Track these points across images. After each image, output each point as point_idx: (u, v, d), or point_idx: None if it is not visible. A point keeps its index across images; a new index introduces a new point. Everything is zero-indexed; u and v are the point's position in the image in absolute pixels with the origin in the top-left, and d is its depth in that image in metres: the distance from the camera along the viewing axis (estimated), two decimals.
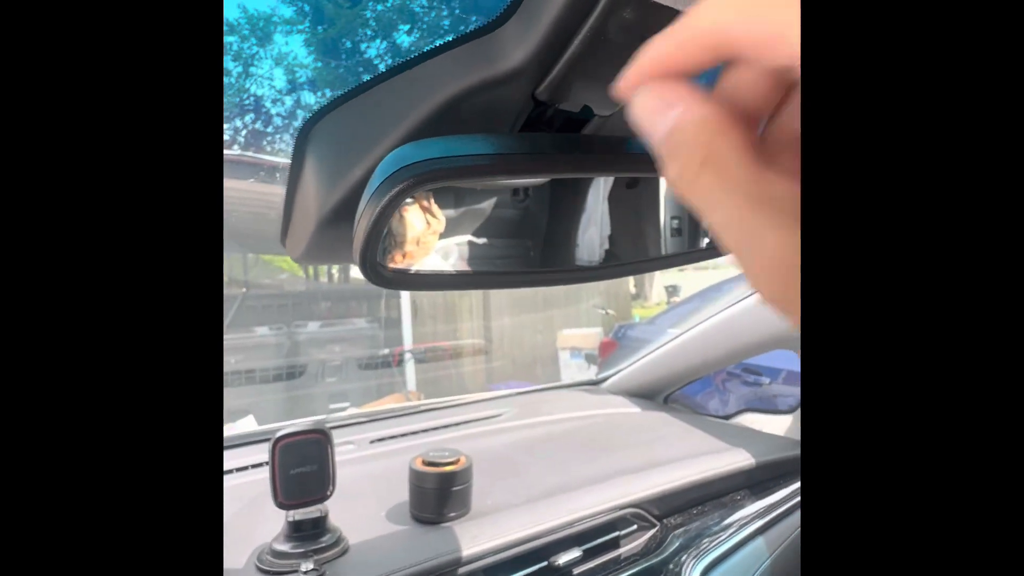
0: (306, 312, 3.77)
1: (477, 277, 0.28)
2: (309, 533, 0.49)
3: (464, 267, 0.34)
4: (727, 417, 1.22)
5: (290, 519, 0.49)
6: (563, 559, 0.57)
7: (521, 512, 0.60)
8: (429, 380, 3.57)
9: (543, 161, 0.23)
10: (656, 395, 1.22)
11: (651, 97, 0.14)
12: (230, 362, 2.91)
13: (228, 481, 0.70)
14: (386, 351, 3.61)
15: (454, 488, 0.58)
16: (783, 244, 0.14)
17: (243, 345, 3.10)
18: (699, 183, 0.14)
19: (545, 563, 0.57)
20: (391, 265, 0.24)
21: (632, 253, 0.39)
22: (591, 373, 1.35)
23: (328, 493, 0.48)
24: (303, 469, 0.46)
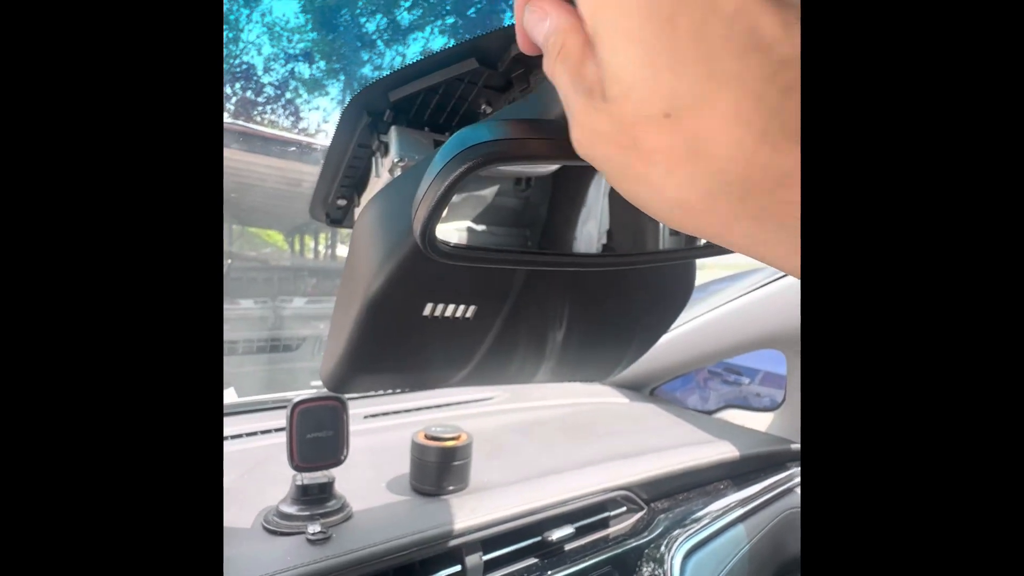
0: (291, 287, 3.73)
1: (522, 256, 0.29)
2: (316, 497, 0.51)
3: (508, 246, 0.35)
4: (710, 412, 1.26)
5: (298, 483, 0.50)
6: (556, 535, 0.60)
7: (517, 489, 0.62)
8: None
9: None
10: (643, 387, 1.25)
11: (532, 12, 0.18)
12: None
13: (231, 446, 0.71)
14: None
15: (454, 463, 0.60)
16: (602, 119, 0.16)
17: (227, 316, 3.06)
18: (555, 75, 0.17)
19: (539, 538, 0.59)
20: (448, 240, 0.25)
21: (630, 248, 0.40)
22: None
23: (342, 458, 0.50)
24: (319, 434, 0.47)
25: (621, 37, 0.15)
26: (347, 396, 0.94)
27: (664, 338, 1.17)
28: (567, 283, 0.35)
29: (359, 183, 0.39)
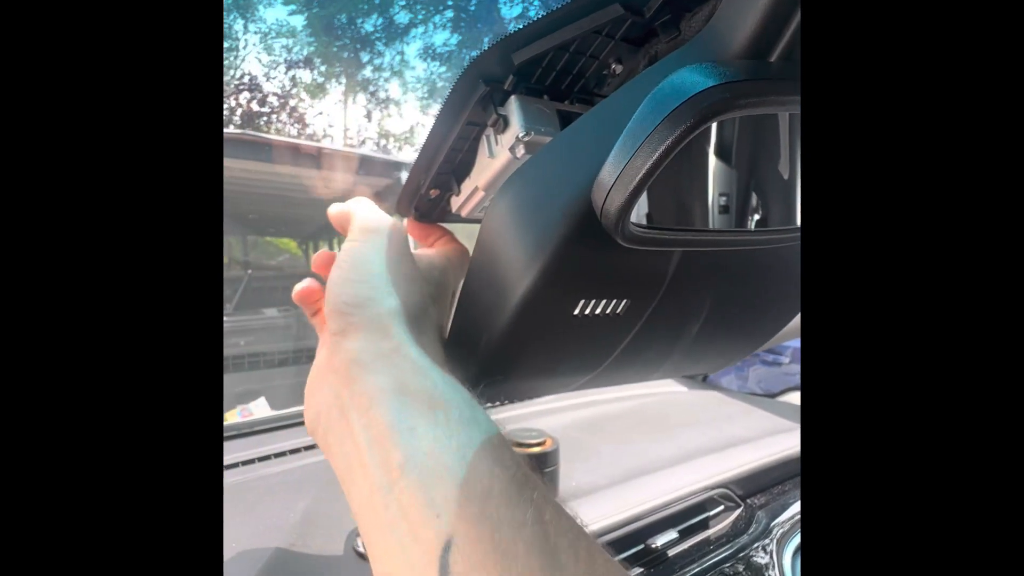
0: None
1: (718, 236, 0.24)
2: None
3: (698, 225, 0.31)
4: (772, 396, 1.21)
5: None
6: (659, 541, 0.55)
7: (610, 495, 0.58)
8: None
9: None
10: (696, 375, 1.20)
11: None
12: (239, 344, 2.87)
13: (290, 463, 0.67)
14: None
15: (545, 470, 0.56)
16: None
17: (252, 327, 3.06)
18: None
19: (642, 545, 0.55)
20: (637, 227, 0.21)
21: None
22: None
23: None
24: None
25: None
26: None
27: None
28: (715, 267, 0.30)
29: (459, 169, 0.35)
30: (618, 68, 0.30)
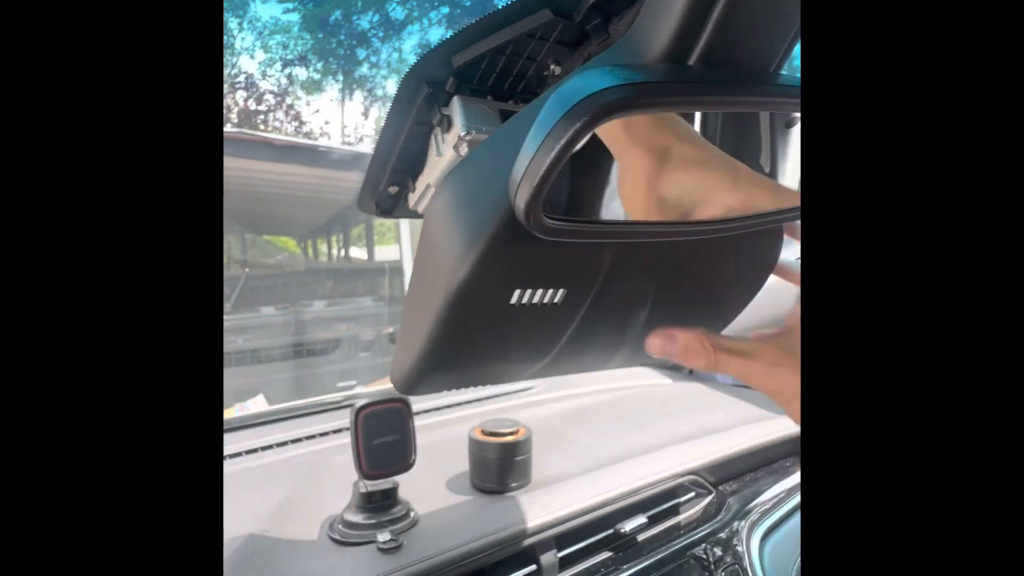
0: (309, 291, 3.73)
1: (639, 228, 0.26)
2: (380, 504, 0.49)
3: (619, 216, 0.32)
4: None
5: (362, 490, 0.48)
6: (629, 526, 0.57)
7: (582, 481, 0.59)
8: None
9: (728, 92, 0.21)
10: (682, 367, 1.22)
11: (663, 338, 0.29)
12: (237, 341, 2.88)
13: (274, 456, 0.69)
14: (391, 329, 3.59)
15: (516, 458, 0.57)
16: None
17: (250, 325, 3.07)
18: (724, 365, 0.26)
19: (612, 530, 0.57)
20: (549, 218, 0.22)
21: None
22: None
23: (411, 463, 0.47)
24: (386, 439, 0.44)
25: None
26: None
27: None
28: (656, 257, 0.32)
29: (413, 166, 0.36)
30: (557, 69, 0.31)
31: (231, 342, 2.76)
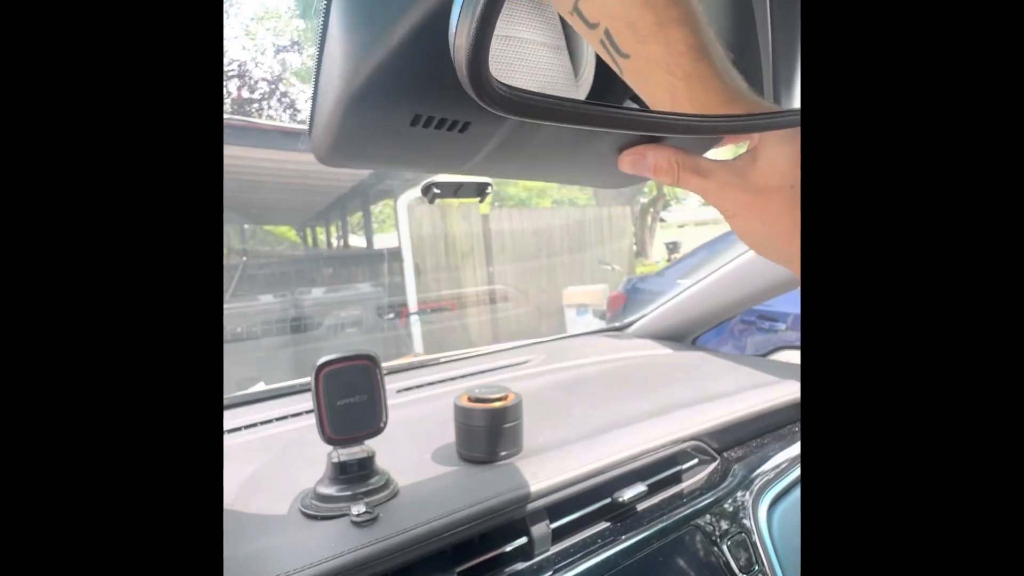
0: (308, 278, 3.70)
1: (593, 110, 0.21)
2: (356, 475, 0.45)
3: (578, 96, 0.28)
4: (762, 356, 1.18)
5: (334, 460, 0.44)
6: (627, 495, 0.53)
7: (577, 449, 0.56)
8: (436, 342, 3.56)
9: None
10: (684, 338, 1.17)
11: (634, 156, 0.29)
12: (236, 330, 2.86)
13: (254, 434, 0.66)
14: (391, 315, 3.58)
15: (505, 425, 0.53)
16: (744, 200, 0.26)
17: (247, 312, 3.05)
18: (685, 181, 0.27)
19: (609, 499, 0.53)
20: (504, 80, 0.18)
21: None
22: None
23: (381, 425, 0.43)
24: (351, 400, 0.40)
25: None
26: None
27: (699, 285, 1.09)
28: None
29: None
30: None
31: (230, 330, 2.73)
